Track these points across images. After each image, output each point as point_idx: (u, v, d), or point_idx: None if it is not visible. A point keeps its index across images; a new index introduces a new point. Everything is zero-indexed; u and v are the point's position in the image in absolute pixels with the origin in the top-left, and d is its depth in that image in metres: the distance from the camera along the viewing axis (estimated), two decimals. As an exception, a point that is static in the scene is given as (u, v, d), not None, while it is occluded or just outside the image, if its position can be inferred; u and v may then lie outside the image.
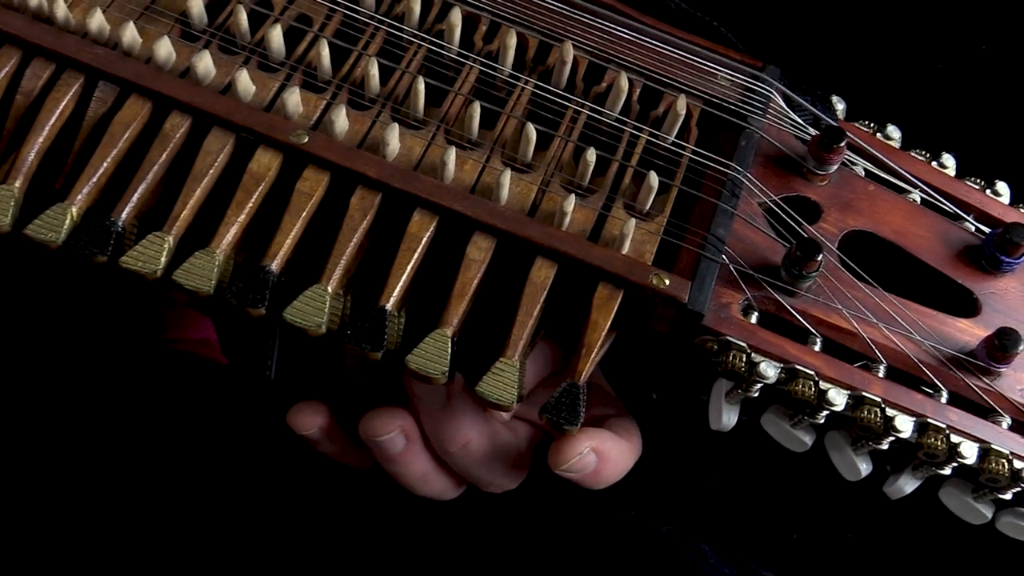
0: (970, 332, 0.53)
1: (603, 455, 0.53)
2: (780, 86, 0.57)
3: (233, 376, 0.72)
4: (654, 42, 0.56)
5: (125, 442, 0.70)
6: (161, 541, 0.67)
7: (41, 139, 0.49)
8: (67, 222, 0.47)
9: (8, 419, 0.70)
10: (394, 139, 0.50)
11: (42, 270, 0.69)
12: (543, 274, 0.49)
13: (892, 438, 0.51)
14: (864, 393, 0.50)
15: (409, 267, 0.49)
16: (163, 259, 0.47)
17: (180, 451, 0.70)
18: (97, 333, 0.72)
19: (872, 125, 0.58)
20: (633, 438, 0.56)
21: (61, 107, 0.50)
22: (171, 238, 0.48)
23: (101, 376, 0.72)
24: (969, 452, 0.50)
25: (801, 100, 0.56)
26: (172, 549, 0.67)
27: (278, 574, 0.67)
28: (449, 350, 0.47)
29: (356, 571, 0.68)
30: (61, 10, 0.51)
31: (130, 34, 0.50)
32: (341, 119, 0.50)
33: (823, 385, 0.50)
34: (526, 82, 0.55)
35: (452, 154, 0.50)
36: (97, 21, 0.51)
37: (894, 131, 0.58)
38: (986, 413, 0.51)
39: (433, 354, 0.47)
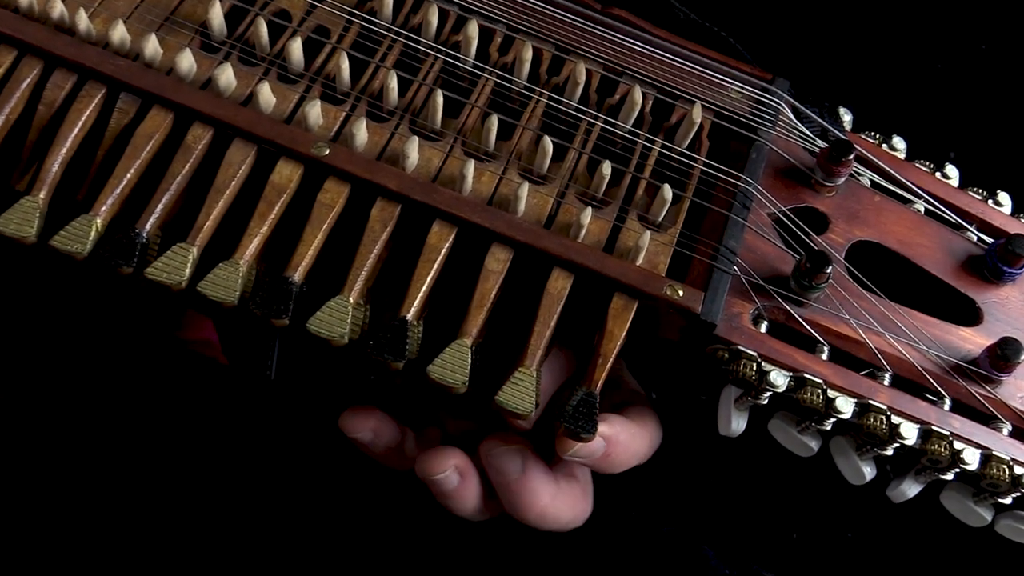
0: (972, 341, 0.54)
1: (612, 440, 0.53)
2: (788, 98, 0.57)
3: (233, 376, 0.72)
4: (666, 54, 0.57)
5: (125, 441, 0.70)
6: (161, 541, 0.67)
7: (64, 150, 0.49)
8: (92, 233, 0.48)
9: (9, 416, 0.70)
10: (414, 152, 0.50)
11: (57, 272, 0.69)
12: (560, 285, 0.50)
13: (897, 444, 0.51)
14: (870, 401, 0.51)
15: (429, 278, 0.49)
16: (188, 270, 0.48)
17: (180, 451, 0.70)
18: (113, 330, 0.72)
19: (878, 136, 0.58)
20: (647, 424, 0.56)
21: (84, 118, 0.50)
22: (195, 249, 0.48)
23: (105, 374, 0.72)
24: (971, 458, 0.51)
25: (809, 112, 0.57)
26: (171, 549, 0.67)
27: (278, 574, 0.68)
28: (469, 360, 0.48)
29: (354, 570, 0.68)
30: (83, 21, 0.51)
31: (152, 46, 0.51)
32: (362, 132, 0.51)
33: (831, 393, 0.51)
34: (540, 94, 0.55)
35: (471, 167, 0.50)
36: (119, 32, 0.51)
37: (899, 142, 0.58)
38: (987, 420, 0.52)
39: (454, 364, 0.48)
